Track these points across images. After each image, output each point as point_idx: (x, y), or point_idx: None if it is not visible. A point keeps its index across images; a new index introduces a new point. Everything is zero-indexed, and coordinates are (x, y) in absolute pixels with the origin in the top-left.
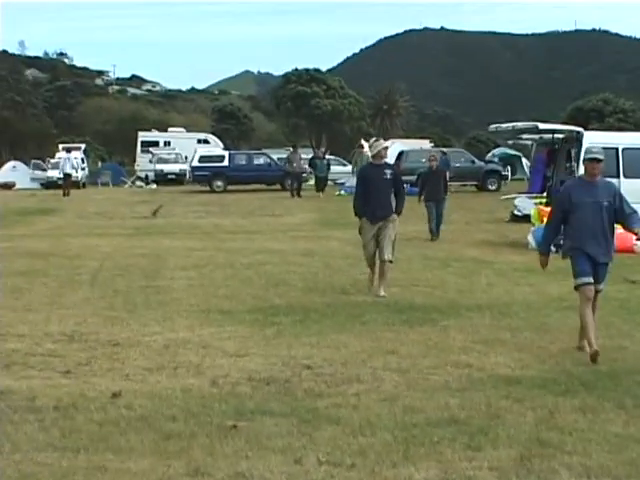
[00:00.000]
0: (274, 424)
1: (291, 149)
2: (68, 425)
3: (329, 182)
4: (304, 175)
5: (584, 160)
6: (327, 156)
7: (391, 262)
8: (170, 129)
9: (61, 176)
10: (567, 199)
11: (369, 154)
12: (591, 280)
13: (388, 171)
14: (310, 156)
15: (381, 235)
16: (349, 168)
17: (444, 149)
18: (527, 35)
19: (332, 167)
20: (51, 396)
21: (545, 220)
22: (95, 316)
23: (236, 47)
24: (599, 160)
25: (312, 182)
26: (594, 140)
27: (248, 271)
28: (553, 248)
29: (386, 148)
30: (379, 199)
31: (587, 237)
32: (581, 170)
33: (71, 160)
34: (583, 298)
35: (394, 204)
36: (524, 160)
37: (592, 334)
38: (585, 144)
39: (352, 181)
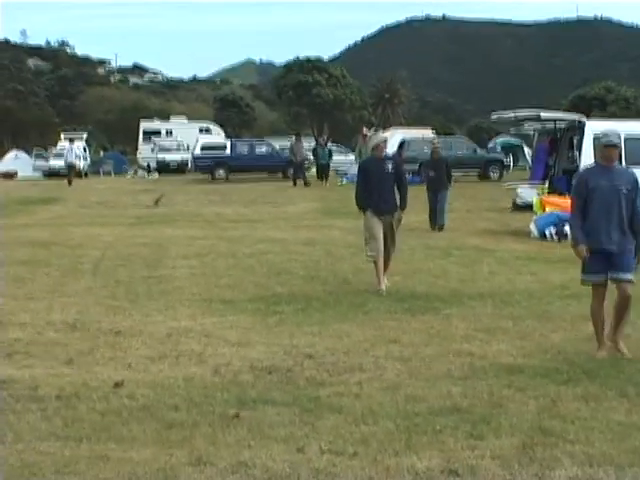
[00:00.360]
0: (276, 413)
1: (294, 138)
2: (70, 414)
3: (331, 171)
4: (306, 163)
5: (600, 145)
6: (329, 144)
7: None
8: (172, 118)
9: (64, 165)
10: (584, 186)
11: None
12: (598, 278)
13: (389, 164)
14: (313, 145)
15: (387, 232)
16: (350, 157)
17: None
18: (529, 23)
19: (334, 156)
20: (53, 385)
21: (547, 209)
22: (97, 305)
23: (238, 36)
24: (616, 145)
25: (314, 170)
26: (596, 128)
27: (250, 260)
28: (555, 236)
29: (385, 140)
30: (382, 193)
31: (602, 224)
32: (584, 158)
33: (74, 150)
34: (593, 295)
35: (397, 197)
36: (526, 149)
37: (601, 332)
38: (587, 132)
39: (355, 169)
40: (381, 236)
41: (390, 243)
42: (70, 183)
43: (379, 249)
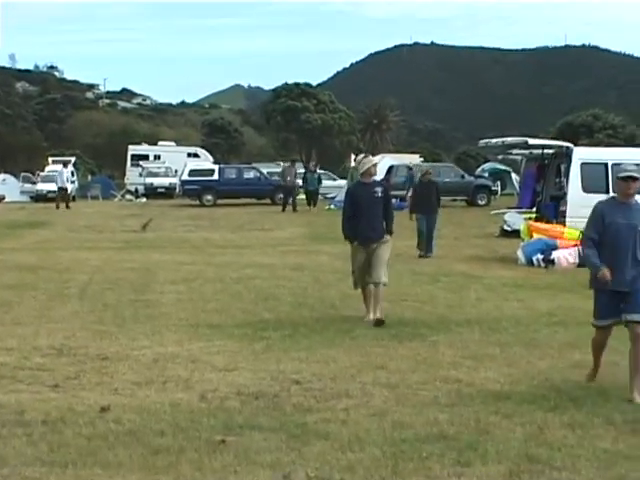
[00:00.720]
0: (263, 439)
1: (286, 163)
2: (56, 439)
3: (319, 196)
4: (296, 189)
5: (617, 178)
6: (317, 170)
7: (385, 285)
8: (160, 143)
9: (52, 189)
10: (600, 220)
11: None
12: (607, 323)
13: (379, 189)
14: (302, 171)
15: (374, 256)
16: (338, 182)
17: (410, 164)
18: (517, 50)
19: (322, 181)
20: (40, 410)
21: (534, 236)
22: (84, 330)
23: (226, 61)
24: (635, 179)
25: (303, 196)
26: (584, 156)
27: (237, 285)
28: (543, 263)
29: (375, 165)
30: (371, 220)
31: (615, 264)
32: (572, 184)
33: (64, 173)
34: (599, 332)
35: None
36: (513, 175)
37: (599, 360)
38: (574, 159)
39: (343, 195)
40: (364, 268)
41: (376, 267)
42: (67, 206)
43: (361, 278)
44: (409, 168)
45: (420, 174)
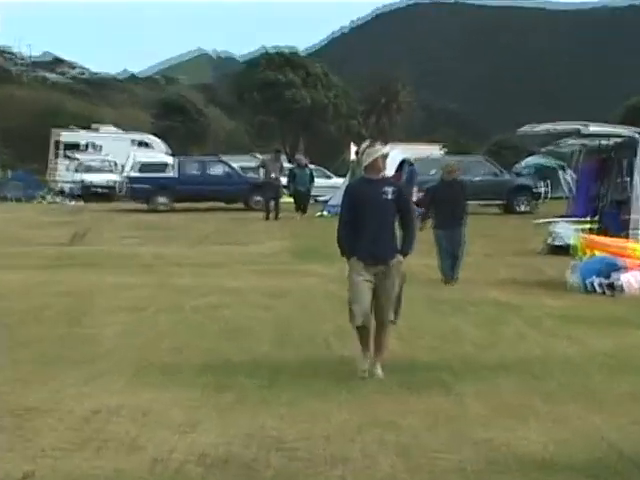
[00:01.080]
0: None
1: (267, 155)
2: None
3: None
4: (281, 189)
5: None
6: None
7: (393, 324)
8: (96, 127)
9: None
10: None
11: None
12: None
13: (389, 189)
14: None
15: (380, 287)
16: (334, 181)
17: (411, 158)
18: (569, 10)
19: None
20: None
21: (592, 253)
22: (0, 373)
23: (186, 21)
24: None
25: (289, 199)
26: None
27: (199, 316)
28: (605, 289)
29: (385, 156)
30: (376, 230)
31: None
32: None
33: None
34: None
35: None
36: (565, 173)
37: None
38: None
39: (339, 198)
40: (369, 299)
41: (382, 303)
42: None
43: (363, 310)
44: (410, 163)
45: (443, 171)
